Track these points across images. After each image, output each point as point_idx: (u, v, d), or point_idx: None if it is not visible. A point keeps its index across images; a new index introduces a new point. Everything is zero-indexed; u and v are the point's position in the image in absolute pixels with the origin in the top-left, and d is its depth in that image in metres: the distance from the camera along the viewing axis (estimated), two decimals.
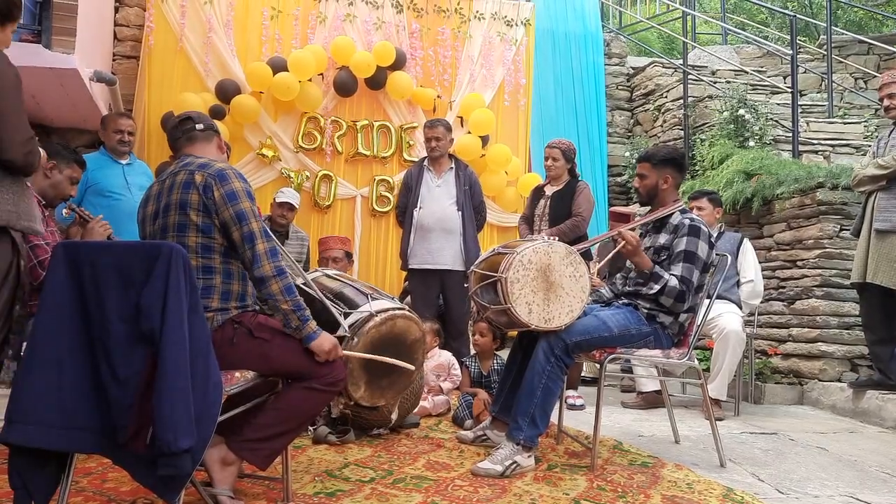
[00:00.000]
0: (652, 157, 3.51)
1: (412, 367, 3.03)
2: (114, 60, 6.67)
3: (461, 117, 7.05)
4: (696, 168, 7.06)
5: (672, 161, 3.47)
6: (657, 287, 3.23)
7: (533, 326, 3.12)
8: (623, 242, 3.26)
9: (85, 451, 2.30)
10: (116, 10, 6.74)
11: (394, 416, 3.63)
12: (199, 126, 2.64)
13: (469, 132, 6.96)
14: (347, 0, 6.94)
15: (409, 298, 5.27)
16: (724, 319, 4.50)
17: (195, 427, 1.99)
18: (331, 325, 2.70)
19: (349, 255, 5.56)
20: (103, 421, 2.05)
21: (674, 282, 3.21)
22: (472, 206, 5.21)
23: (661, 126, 8.11)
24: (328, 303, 2.82)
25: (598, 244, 5.21)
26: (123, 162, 4.74)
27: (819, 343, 5.09)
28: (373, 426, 3.59)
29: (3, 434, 2.02)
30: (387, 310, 2.97)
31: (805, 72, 8.37)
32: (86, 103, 5.40)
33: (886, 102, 4.55)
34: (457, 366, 4.54)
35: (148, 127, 6.30)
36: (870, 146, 4.97)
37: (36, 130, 5.99)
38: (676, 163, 3.48)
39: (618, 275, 3.69)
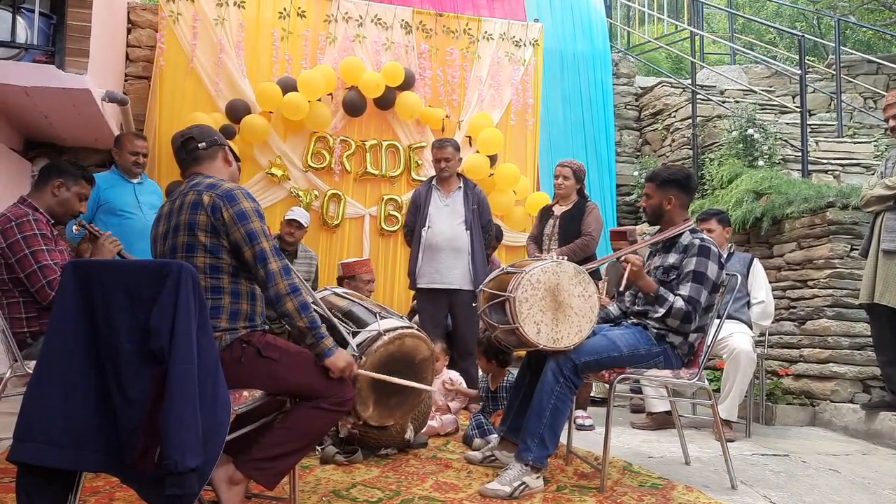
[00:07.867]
0: (655, 178, 3.51)
1: (428, 388, 3.01)
2: (125, 81, 6.75)
3: (469, 137, 7.08)
4: (706, 187, 7.04)
5: (675, 182, 3.45)
6: (662, 311, 3.22)
7: (541, 346, 3.11)
8: (629, 265, 3.25)
9: (93, 470, 2.29)
10: (129, 31, 6.83)
11: (408, 435, 3.61)
12: (202, 144, 2.62)
13: (477, 151, 6.98)
14: (357, 21, 7.01)
15: (417, 318, 5.26)
16: (734, 339, 4.47)
17: (203, 446, 1.98)
18: (339, 343, 2.69)
19: None
20: (112, 440, 2.04)
21: (680, 303, 3.19)
22: (481, 226, 5.21)
23: (670, 145, 8.10)
24: (336, 321, 2.82)
25: (606, 264, 5.20)
26: (135, 181, 4.78)
27: (831, 364, 5.04)
28: (381, 446, 3.57)
29: (11, 452, 2.01)
30: (395, 328, 2.97)
31: (814, 91, 8.37)
32: (98, 123, 5.45)
33: (892, 123, 4.51)
34: (464, 383, 4.54)
35: (159, 147, 6.35)
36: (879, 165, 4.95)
37: (48, 150, 6.10)
38: (680, 184, 3.46)
39: (627, 294, 3.68)
